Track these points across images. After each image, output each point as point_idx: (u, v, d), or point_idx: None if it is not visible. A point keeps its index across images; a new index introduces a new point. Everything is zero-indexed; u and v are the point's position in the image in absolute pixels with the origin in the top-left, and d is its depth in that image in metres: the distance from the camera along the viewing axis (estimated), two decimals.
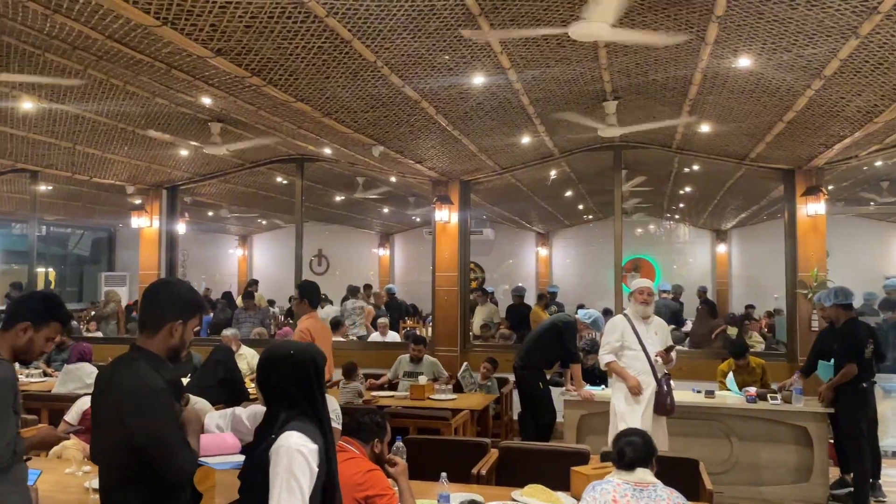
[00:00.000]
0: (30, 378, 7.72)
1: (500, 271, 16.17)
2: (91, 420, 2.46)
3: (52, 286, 15.68)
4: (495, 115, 6.34)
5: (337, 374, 7.95)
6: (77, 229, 17.32)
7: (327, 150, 7.81)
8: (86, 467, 4.21)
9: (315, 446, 2.19)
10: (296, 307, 5.83)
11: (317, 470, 2.17)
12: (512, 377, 7.45)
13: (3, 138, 7.24)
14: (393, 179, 9.80)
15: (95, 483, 3.78)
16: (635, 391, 5.46)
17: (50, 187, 10.42)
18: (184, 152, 8.23)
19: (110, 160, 8.34)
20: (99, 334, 10.97)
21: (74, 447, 4.63)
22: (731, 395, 6.52)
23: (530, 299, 12.45)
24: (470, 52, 4.69)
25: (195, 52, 4.29)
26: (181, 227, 10.46)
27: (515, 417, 7.71)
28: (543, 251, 16.31)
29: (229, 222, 16.12)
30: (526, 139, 7.40)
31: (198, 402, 4.49)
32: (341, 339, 9.57)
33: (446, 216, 8.76)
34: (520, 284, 12.52)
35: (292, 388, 2.26)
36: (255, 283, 12.24)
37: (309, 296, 5.51)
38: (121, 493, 2.33)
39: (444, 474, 3.73)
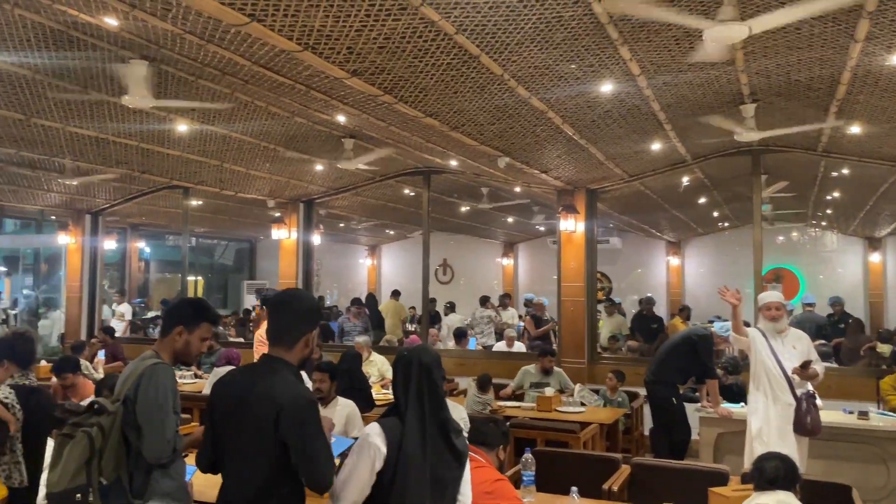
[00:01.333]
0: (183, 380, 8.35)
1: (627, 281, 15.74)
2: (221, 424, 2.54)
3: (201, 293, 16.88)
4: (624, 123, 6.22)
5: (465, 383, 8.07)
6: (222, 241, 18.60)
7: (453, 163, 7.95)
8: None
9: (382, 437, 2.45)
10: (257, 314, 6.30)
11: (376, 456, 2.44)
12: (643, 391, 7.23)
13: (160, 158, 7.92)
14: (517, 189, 9.82)
15: None
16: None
17: (200, 202, 11.26)
18: (319, 167, 8.64)
19: (253, 176, 8.91)
20: (241, 339, 11.72)
21: None
22: (887, 417, 6.00)
23: (660, 311, 12.04)
24: (598, 60, 4.64)
25: (333, 74, 4.52)
26: (316, 239, 10.97)
27: (647, 433, 7.47)
28: (675, 260, 15.73)
29: (360, 233, 16.72)
30: (656, 146, 7.20)
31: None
32: (465, 349, 9.67)
33: (572, 225, 8.66)
34: (649, 295, 12.14)
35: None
36: (397, 293, 12.58)
37: (267, 303, 5.89)
38: (261, 494, 2.43)
39: (574, 489, 3.69)
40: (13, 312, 11.02)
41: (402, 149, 7.47)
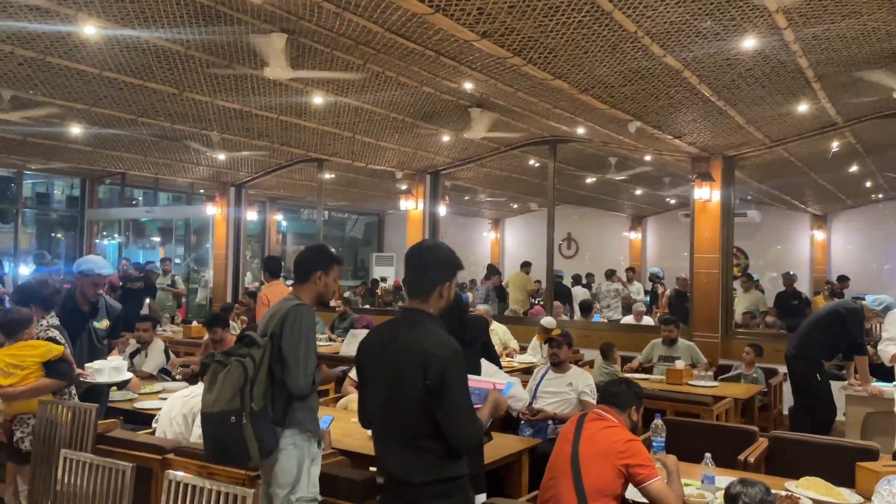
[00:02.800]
0: (318, 342, 8.79)
1: (766, 257, 14.87)
2: (371, 379, 2.61)
3: None
4: (766, 82, 5.84)
5: (591, 354, 7.97)
6: (353, 214, 19.30)
7: (581, 130, 7.79)
8: None
9: None
10: (263, 278, 7.60)
11: None
12: (782, 368, 6.84)
13: (297, 130, 8.31)
14: (648, 158, 9.49)
15: None
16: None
17: (332, 175, 11.73)
18: (445, 138, 8.75)
19: (383, 148, 9.16)
20: (367, 306, 12.19)
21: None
22: None
23: (802, 290, 11.31)
24: (740, 13, 4.37)
25: (462, 37, 4.54)
26: (442, 210, 11.15)
27: (786, 412, 7.09)
28: (820, 235, 14.68)
29: (483, 206, 16.80)
30: (802, 107, 6.71)
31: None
32: (592, 321, 9.54)
33: (707, 194, 8.28)
34: (790, 272, 11.42)
35: None
36: (527, 264, 12.63)
37: (268, 268, 7.24)
38: (411, 450, 2.45)
39: (708, 455, 3.58)
40: (178, 277, 12.01)
41: (528, 116, 7.41)
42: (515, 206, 16.85)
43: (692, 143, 7.82)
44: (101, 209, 13.49)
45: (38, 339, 3.99)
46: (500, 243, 18.30)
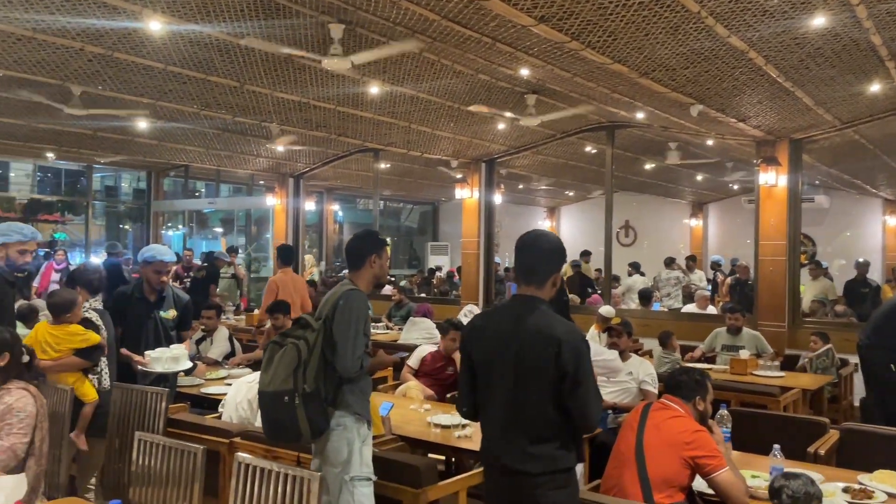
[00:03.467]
0: (375, 330, 8.90)
1: (834, 244, 14.32)
2: (485, 366, 2.58)
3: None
4: (837, 61, 5.60)
5: (650, 344, 7.85)
6: (408, 204, 19.41)
7: (640, 115, 7.64)
8: (426, 405, 4.75)
9: None
10: (275, 265, 8.08)
11: None
12: (853, 358, 6.59)
13: (354, 120, 8.38)
14: (710, 143, 9.23)
15: (437, 419, 4.25)
16: None
17: (388, 165, 11.80)
18: (501, 126, 8.69)
19: (438, 136, 9.16)
20: (423, 295, 12.27)
21: (416, 388, 5.27)
22: None
23: (874, 275, 10.87)
24: None
25: (519, 22, 4.49)
26: (497, 199, 11.10)
27: (857, 404, 6.83)
28: (893, 220, 14.06)
29: (539, 194, 16.66)
30: (875, 87, 6.42)
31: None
32: (652, 310, 9.38)
33: (772, 179, 8.01)
34: (861, 259, 10.97)
35: None
36: (587, 253, 12.48)
37: (281, 255, 7.71)
38: (531, 440, 2.44)
39: (776, 446, 3.48)
40: (239, 265, 12.33)
41: (585, 102, 7.30)
42: (571, 193, 16.65)
43: (757, 126, 7.58)
44: (166, 201, 13.91)
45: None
46: (557, 232, 18.13)
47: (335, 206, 16.95)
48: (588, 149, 10.56)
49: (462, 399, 2.68)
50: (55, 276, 10.29)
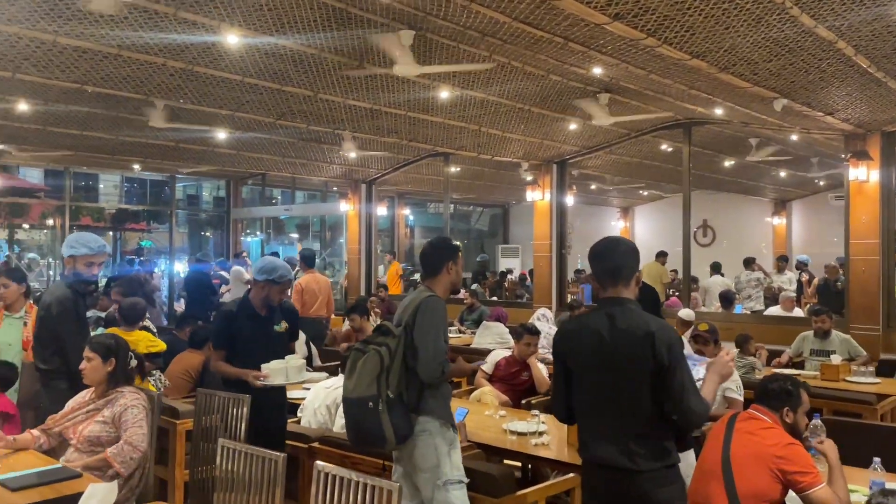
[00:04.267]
0: (448, 334, 8.89)
1: None
2: (584, 368, 2.64)
3: None
4: None
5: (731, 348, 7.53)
6: (478, 207, 19.39)
7: (718, 111, 7.37)
8: (501, 411, 4.69)
9: None
10: (300, 267, 8.75)
11: None
12: None
13: (424, 125, 8.42)
14: (794, 137, 8.84)
15: (513, 425, 4.20)
16: None
17: (458, 168, 11.81)
18: (572, 126, 8.56)
19: (509, 139, 9.10)
20: (494, 298, 12.21)
21: (491, 393, 5.23)
22: None
23: None
24: None
25: (592, 21, 4.40)
26: (569, 200, 10.94)
27: None
28: None
29: (611, 194, 16.36)
30: None
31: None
32: (734, 312, 9.04)
33: (863, 174, 7.59)
34: None
35: None
36: (663, 254, 12.20)
37: (304, 258, 8.55)
38: (636, 438, 2.48)
39: (877, 459, 3.27)
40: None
41: (661, 99, 7.10)
42: (646, 193, 16.28)
43: (846, 119, 7.20)
44: (245, 208, 14.33)
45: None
46: (630, 232, 17.75)
47: (406, 211, 17.09)
48: (664, 147, 10.28)
49: (557, 403, 2.74)
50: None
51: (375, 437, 3.03)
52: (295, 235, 18.67)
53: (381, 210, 13.30)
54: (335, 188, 14.25)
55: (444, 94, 6.95)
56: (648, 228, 17.04)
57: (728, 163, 11.65)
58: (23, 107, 6.93)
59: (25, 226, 16.59)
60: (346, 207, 12.65)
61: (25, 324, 4.99)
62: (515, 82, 6.64)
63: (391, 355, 3.06)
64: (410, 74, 5.67)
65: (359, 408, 3.02)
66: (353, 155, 9.97)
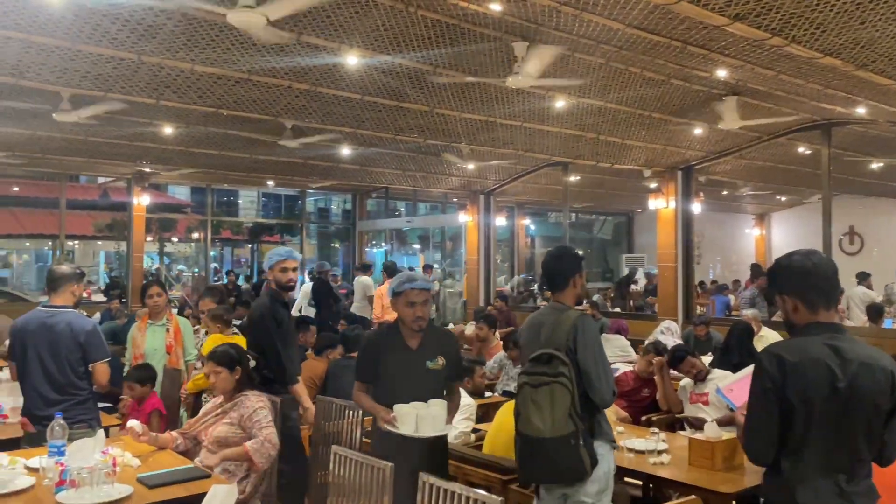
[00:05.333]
0: None
1: None
2: (813, 404, 2.30)
3: None
4: None
5: None
6: (600, 215, 19.00)
7: (860, 110, 6.83)
8: (619, 427, 4.56)
9: None
10: (383, 278, 9.75)
11: None
12: None
13: (541, 136, 8.37)
14: None
15: (631, 443, 4.07)
16: None
17: (577, 177, 11.64)
18: (698, 131, 8.21)
19: (629, 146, 8.87)
20: (617, 309, 11.90)
21: (610, 409, 5.08)
22: None
23: None
24: None
25: (712, 23, 4.22)
26: (696, 208, 10.49)
27: None
28: None
29: (744, 201, 15.54)
30: None
31: None
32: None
33: None
34: None
35: None
36: (866, 275, 11.38)
37: (386, 269, 9.55)
38: (854, 476, 2.27)
39: None
40: (434, 280, 12.87)
41: (793, 100, 6.67)
42: (783, 198, 15.32)
43: None
44: (369, 220, 14.83)
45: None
46: (767, 240, 16.76)
47: (526, 220, 17.03)
48: (800, 149, 9.64)
49: (763, 440, 2.31)
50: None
51: (576, 473, 2.91)
52: (417, 246, 19.09)
53: (500, 220, 13.34)
54: (455, 199, 14.46)
55: (560, 103, 6.88)
56: (787, 236, 16.01)
57: (876, 165, 10.74)
58: (167, 130, 7.56)
59: (174, 239, 18.01)
60: (465, 218, 12.79)
61: (168, 330, 5.42)
62: (634, 89, 6.47)
63: (573, 385, 2.94)
64: (524, 86, 5.66)
65: (560, 446, 2.89)
66: (470, 167, 10.07)
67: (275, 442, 3.59)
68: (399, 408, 3.21)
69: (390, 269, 9.27)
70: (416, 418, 3.19)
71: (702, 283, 12.70)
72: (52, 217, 14.04)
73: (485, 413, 5.30)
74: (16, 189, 16.53)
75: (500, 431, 4.08)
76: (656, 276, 11.05)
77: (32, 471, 3.22)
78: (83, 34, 4.82)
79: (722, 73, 5.71)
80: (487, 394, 5.92)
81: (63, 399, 3.84)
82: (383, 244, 17.41)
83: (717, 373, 5.00)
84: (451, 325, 11.09)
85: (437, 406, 3.27)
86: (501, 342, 7.03)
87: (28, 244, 19.18)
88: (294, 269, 4.31)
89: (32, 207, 16.74)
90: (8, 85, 5.70)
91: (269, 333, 4.16)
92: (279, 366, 4.14)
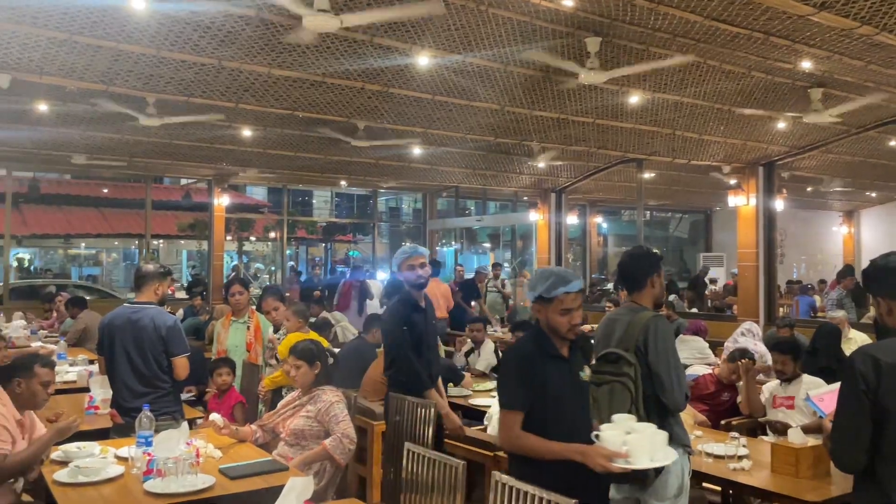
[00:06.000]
0: None
1: None
2: None
3: None
4: None
5: None
6: (676, 213, 18.51)
7: None
8: (697, 431, 4.43)
9: None
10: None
11: None
12: None
13: (614, 132, 8.22)
14: None
15: (709, 447, 3.95)
16: None
17: (652, 174, 11.37)
18: (780, 125, 7.89)
19: (706, 142, 8.60)
20: (694, 310, 11.57)
21: (687, 412, 4.95)
22: None
23: None
24: None
25: (795, 13, 4.05)
26: (779, 205, 10.08)
27: None
28: None
29: (831, 197, 14.84)
30: None
31: None
32: None
33: None
34: None
35: None
36: None
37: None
38: None
39: None
40: (507, 280, 12.81)
41: (885, 91, 6.32)
42: (874, 194, 14.56)
43: None
44: (440, 219, 14.90)
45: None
46: (855, 239, 15.96)
47: (598, 219, 16.76)
48: (893, 143, 9.14)
49: (853, 445, 2.22)
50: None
51: (636, 475, 2.72)
52: (487, 245, 19.06)
53: (572, 219, 13.16)
54: (525, 198, 14.37)
55: (634, 98, 6.73)
56: (878, 234, 15.23)
57: None
58: (246, 133, 7.80)
59: (252, 238, 18.59)
60: (535, 217, 12.68)
61: (248, 328, 5.59)
62: (712, 82, 6.26)
63: (636, 385, 2.88)
64: (597, 82, 5.57)
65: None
66: (541, 165, 9.98)
67: (352, 436, 3.65)
68: (609, 437, 2.57)
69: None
70: (649, 444, 2.58)
71: (791, 283, 12.20)
72: (138, 217, 14.71)
73: None
74: (105, 191, 17.45)
75: None
76: (736, 275, 10.70)
77: (122, 460, 3.38)
78: (167, 42, 5.02)
79: (807, 65, 5.47)
80: None
81: (149, 391, 4.02)
82: (453, 243, 17.46)
83: (808, 378, 4.79)
84: None
85: (645, 425, 2.69)
86: None
87: (116, 243, 20.20)
88: (422, 265, 4.15)
89: (120, 208, 17.61)
90: (98, 91, 6.00)
91: (398, 342, 4.10)
92: (412, 373, 4.11)
